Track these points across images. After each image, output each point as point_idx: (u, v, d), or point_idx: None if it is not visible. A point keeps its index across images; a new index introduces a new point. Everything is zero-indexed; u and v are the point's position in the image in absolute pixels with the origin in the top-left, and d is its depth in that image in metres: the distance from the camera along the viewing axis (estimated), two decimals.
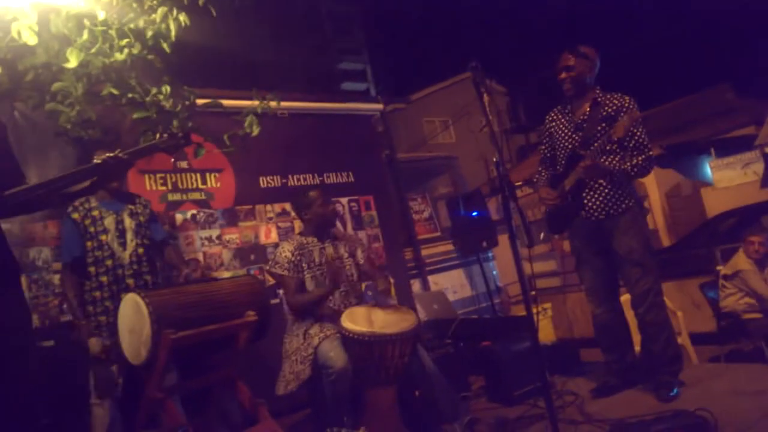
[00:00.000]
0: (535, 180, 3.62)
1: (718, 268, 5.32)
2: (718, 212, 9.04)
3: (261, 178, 4.70)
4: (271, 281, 4.18)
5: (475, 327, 4.26)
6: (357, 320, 2.95)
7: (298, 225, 4.62)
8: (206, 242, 4.28)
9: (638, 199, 3.33)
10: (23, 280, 2.77)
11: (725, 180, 11.19)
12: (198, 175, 4.36)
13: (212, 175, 4.43)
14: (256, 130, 3.13)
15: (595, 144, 3.15)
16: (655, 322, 3.18)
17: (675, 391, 3.04)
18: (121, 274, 3.00)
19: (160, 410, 2.67)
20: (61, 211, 3.07)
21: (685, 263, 7.49)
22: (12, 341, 1.76)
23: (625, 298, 3.48)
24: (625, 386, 3.34)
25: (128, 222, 3.08)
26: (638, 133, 3.16)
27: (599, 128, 3.18)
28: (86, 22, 2.63)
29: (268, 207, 4.67)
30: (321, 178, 5.04)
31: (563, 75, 3.28)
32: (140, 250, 3.08)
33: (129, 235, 3.06)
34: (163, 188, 4.19)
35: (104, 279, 2.97)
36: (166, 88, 2.92)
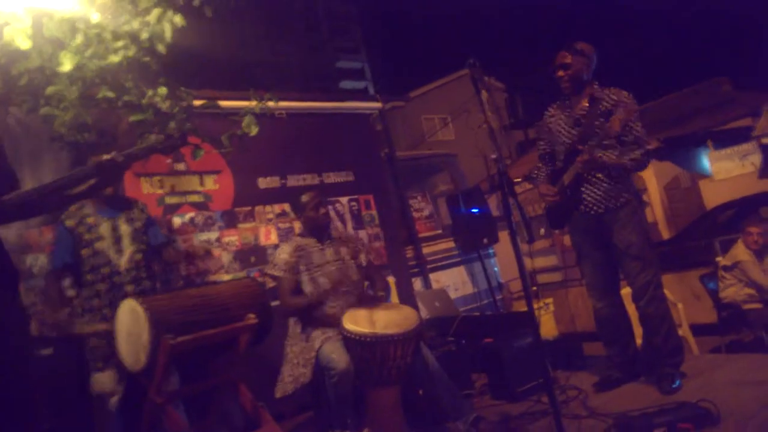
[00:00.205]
0: (534, 176, 3.62)
1: (718, 259, 5.33)
2: (717, 204, 9.05)
3: (260, 179, 4.68)
4: (270, 284, 4.17)
5: (477, 324, 4.25)
6: (358, 321, 2.94)
7: (297, 226, 4.61)
8: (205, 245, 4.26)
9: (636, 193, 3.33)
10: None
11: (723, 171, 11.20)
12: (196, 177, 4.34)
13: (210, 176, 4.41)
14: (254, 130, 3.12)
15: (593, 139, 3.14)
16: (655, 314, 3.18)
17: (677, 382, 3.05)
18: (118, 281, 2.98)
19: (162, 416, 2.66)
20: (56, 217, 3.04)
21: (684, 255, 7.51)
22: (11, 347, 1.75)
23: (625, 291, 3.48)
24: (627, 379, 3.34)
25: (124, 228, 3.06)
26: (636, 128, 3.16)
27: (597, 123, 3.18)
28: (80, 25, 2.61)
29: (268, 208, 4.65)
30: (320, 178, 5.02)
31: (560, 73, 3.28)
32: (137, 256, 3.06)
33: (125, 242, 3.04)
34: (161, 191, 4.16)
35: (101, 287, 2.95)
36: (163, 90, 2.90)
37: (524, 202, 12.41)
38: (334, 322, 3.06)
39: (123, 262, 3.01)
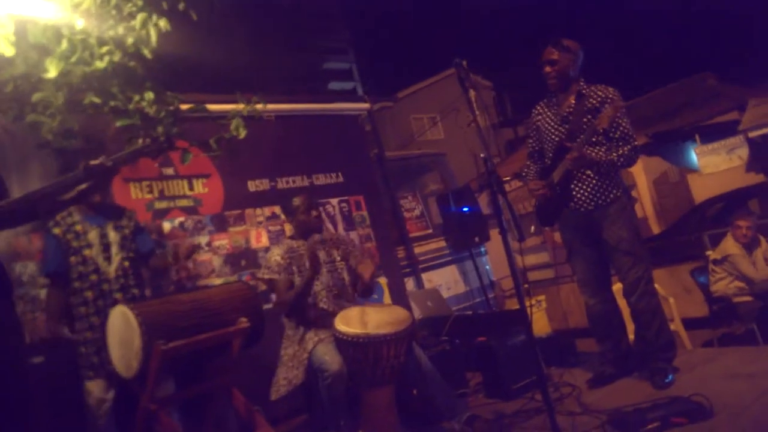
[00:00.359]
0: (523, 173, 3.64)
1: (708, 253, 5.37)
2: (706, 198, 9.14)
3: (249, 182, 4.66)
4: (262, 287, 4.15)
5: (470, 323, 4.26)
6: (350, 322, 2.93)
7: (288, 228, 4.60)
8: (197, 248, 4.23)
9: (626, 189, 3.35)
10: None
11: (711, 166, 11.30)
12: (185, 181, 4.32)
13: (199, 180, 4.38)
14: (242, 133, 3.10)
15: (581, 136, 3.16)
16: (647, 309, 3.20)
17: (670, 377, 3.06)
18: (107, 288, 2.95)
19: (155, 422, 2.64)
20: (44, 226, 3.02)
21: (674, 250, 7.56)
22: (9, 353, 1.74)
23: (617, 287, 3.49)
24: (620, 375, 3.36)
25: (113, 235, 3.04)
26: (623, 124, 3.17)
27: (585, 120, 3.20)
28: (65, 31, 2.59)
29: (258, 211, 4.64)
30: (310, 180, 5.01)
31: (547, 69, 3.29)
32: (126, 264, 3.03)
33: (114, 249, 3.02)
34: (150, 196, 4.14)
35: (89, 294, 2.92)
36: (149, 95, 2.87)
37: (514, 200, 12.46)
38: (327, 323, 3.06)
39: (112, 269, 2.98)
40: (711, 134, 11.63)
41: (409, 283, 5.55)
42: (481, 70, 19.03)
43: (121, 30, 2.68)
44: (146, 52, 2.77)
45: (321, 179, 5.09)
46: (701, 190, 10.87)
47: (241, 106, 3.14)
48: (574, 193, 3.28)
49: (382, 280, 5.14)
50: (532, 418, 3.07)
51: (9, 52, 2.47)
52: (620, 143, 3.19)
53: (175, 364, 2.74)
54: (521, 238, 2.43)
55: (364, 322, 2.94)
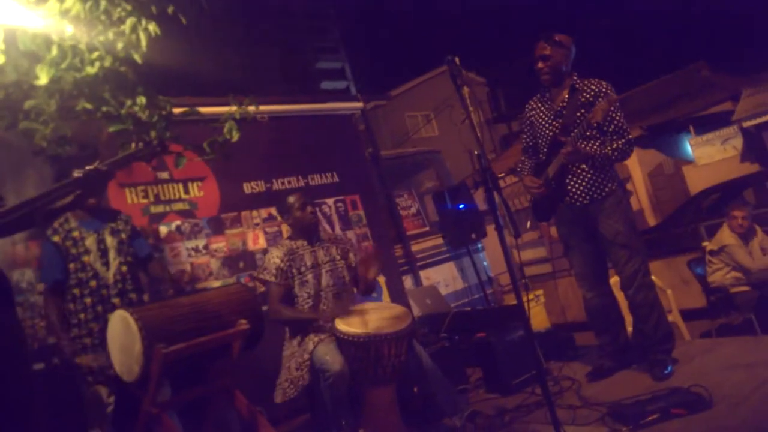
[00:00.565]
0: (518, 169, 3.64)
1: (704, 244, 5.38)
2: (701, 189, 9.15)
3: (245, 184, 4.66)
4: (261, 288, 4.15)
5: (469, 319, 4.27)
6: (351, 322, 2.94)
7: (285, 229, 4.59)
8: (193, 253, 4.23)
9: (621, 182, 3.36)
10: None
11: (706, 157, 11.33)
12: (180, 185, 4.31)
13: (195, 184, 4.38)
14: (235, 136, 3.10)
15: (575, 130, 3.16)
16: (644, 302, 3.20)
17: (669, 369, 3.07)
18: (105, 294, 2.94)
19: (157, 426, 2.64)
20: (42, 233, 3.01)
21: (671, 241, 7.59)
22: (11, 359, 1.75)
23: (614, 280, 3.50)
24: (619, 368, 3.37)
25: (110, 240, 3.03)
26: (617, 117, 3.18)
27: (578, 114, 3.20)
28: (54, 38, 2.58)
29: (254, 213, 4.64)
30: (305, 180, 5.01)
31: (540, 64, 3.29)
32: (124, 268, 3.03)
33: (111, 254, 3.01)
34: (145, 201, 4.13)
35: (88, 300, 2.91)
36: (141, 100, 2.87)
37: (510, 195, 12.48)
38: (327, 323, 3.06)
39: (110, 275, 2.98)
40: (705, 125, 11.66)
41: (408, 281, 5.55)
42: (474, 66, 19.05)
43: (110, 35, 2.67)
44: (137, 57, 2.76)
45: (316, 179, 5.09)
46: (696, 182, 10.90)
47: (233, 109, 3.14)
48: (569, 187, 3.28)
49: (381, 279, 5.14)
50: (533, 412, 3.08)
51: None
52: (614, 137, 3.19)
53: (176, 368, 2.74)
54: (517, 234, 2.44)
55: (365, 321, 2.95)
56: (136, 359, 2.55)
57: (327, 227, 4.95)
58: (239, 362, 2.87)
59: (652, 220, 11.76)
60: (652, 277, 3.31)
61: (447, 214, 6.23)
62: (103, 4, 2.60)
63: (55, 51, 2.57)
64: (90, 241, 2.97)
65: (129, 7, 2.68)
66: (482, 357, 3.73)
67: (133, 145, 2.28)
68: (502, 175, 12.36)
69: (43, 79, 2.56)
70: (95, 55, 2.69)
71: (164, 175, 4.25)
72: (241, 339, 2.81)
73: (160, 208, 4.19)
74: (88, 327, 2.90)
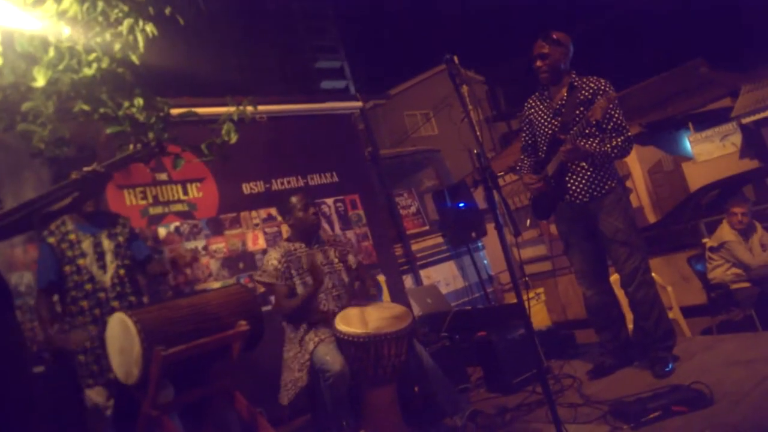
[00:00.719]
0: (518, 167, 3.63)
1: (704, 240, 5.38)
2: (700, 185, 9.14)
3: (244, 185, 4.65)
4: (261, 289, 4.14)
5: (470, 318, 4.26)
6: (351, 322, 2.93)
7: (285, 229, 4.59)
8: (190, 252, 4.22)
9: (620, 180, 3.35)
10: None
11: (705, 153, 11.33)
12: (179, 186, 4.31)
13: (193, 185, 4.37)
14: (233, 138, 3.09)
15: (575, 128, 3.15)
16: (645, 299, 3.20)
17: (670, 366, 3.07)
18: (103, 297, 2.94)
19: (157, 428, 2.64)
20: (38, 235, 3.00)
21: (671, 238, 7.58)
22: (11, 363, 1.74)
23: (614, 277, 3.50)
24: (620, 365, 3.37)
25: (107, 244, 3.02)
26: (616, 115, 3.17)
27: (577, 112, 3.19)
28: (52, 40, 2.57)
29: (254, 213, 4.63)
30: (305, 180, 5.01)
31: (538, 63, 3.29)
32: (121, 272, 3.02)
33: (108, 257, 3.00)
34: (144, 202, 4.13)
35: (84, 304, 2.91)
36: (139, 101, 2.86)
37: (510, 193, 12.48)
38: (327, 324, 3.05)
39: (107, 278, 2.97)
40: (704, 122, 11.66)
41: (408, 281, 5.55)
42: (473, 64, 19.04)
43: (108, 36, 2.66)
44: (134, 58, 2.75)
45: (316, 179, 5.08)
46: (696, 178, 10.90)
47: (232, 109, 3.13)
48: (568, 185, 3.28)
49: (381, 278, 5.14)
50: (534, 411, 3.08)
51: None
52: (613, 134, 3.19)
53: (176, 370, 2.73)
54: (517, 233, 2.43)
55: (365, 321, 2.94)
56: (135, 362, 2.55)
57: (327, 227, 4.95)
58: (239, 363, 2.87)
59: (651, 217, 11.76)
60: (652, 275, 3.31)
61: (447, 212, 6.22)
62: (100, 5, 2.59)
63: (52, 53, 2.56)
64: (86, 245, 2.97)
65: (126, 9, 2.67)
66: (483, 356, 3.73)
67: (131, 146, 2.28)
68: (502, 173, 12.36)
69: (40, 81, 2.55)
70: (92, 56, 2.68)
71: (163, 176, 4.24)
72: (241, 340, 2.81)
73: (158, 210, 4.18)
74: (87, 330, 2.89)
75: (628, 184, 12.03)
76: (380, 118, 15.51)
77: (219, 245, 4.38)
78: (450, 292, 5.99)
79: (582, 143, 3.18)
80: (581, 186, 3.25)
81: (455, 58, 2.55)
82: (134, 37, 2.68)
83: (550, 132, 3.31)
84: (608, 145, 3.17)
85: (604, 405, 2.80)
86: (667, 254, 6.96)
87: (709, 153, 11.27)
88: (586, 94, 3.21)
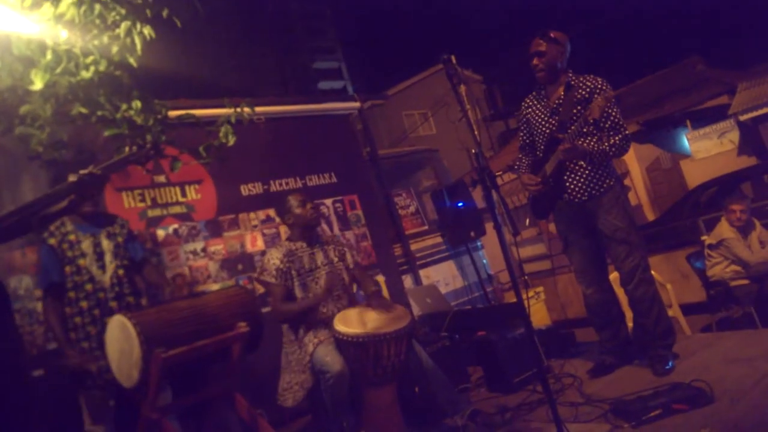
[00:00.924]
0: (516, 167, 3.64)
1: (703, 238, 5.38)
2: (699, 183, 9.15)
3: (242, 186, 4.65)
4: (260, 290, 4.14)
5: (470, 318, 4.26)
6: (350, 322, 2.93)
7: (284, 230, 4.59)
8: (191, 256, 4.22)
9: (618, 178, 3.36)
10: None
11: (703, 151, 11.35)
12: (177, 188, 4.30)
13: (192, 187, 4.37)
14: (231, 140, 3.09)
15: (572, 127, 3.16)
16: (644, 297, 3.20)
17: (670, 364, 3.07)
18: (102, 297, 2.93)
19: (157, 430, 2.63)
20: (39, 237, 3.00)
21: (670, 236, 7.59)
22: (9, 368, 1.74)
23: (613, 276, 3.50)
24: (621, 364, 3.37)
25: (106, 244, 3.02)
26: (613, 113, 3.17)
27: (575, 111, 3.19)
28: (49, 42, 2.57)
29: (252, 215, 4.62)
30: (303, 181, 5.00)
31: (535, 61, 3.29)
32: (120, 272, 3.02)
33: (108, 257, 3.00)
34: (142, 204, 4.12)
35: (84, 304, 2.90)
36: (137, 104, 2.85)
37: (508, 192, 12.49)
38: (326, 325, 3.05)
39: (107, 278, 2.97)
40: (702, 119, 11.68)
41: (407, 281, 5.54)
42: (470, 63, 19.06)
43: (105, 39, 2.66)
44: (132, 61, 2.75)
45: (314, 180, 5.08)
46: (694, 176, 10.91)
47: (229, 111, 3.13)
48: (567, 184, 3.28)
49: (380, 279, 5.14)
50: (535, 410, 3.08)
51: None
52: (611, 133, 3.19)
53: (175, 372, 2.73)
54: (516, 232, 2.43)
55: (364, 321, 2.94)
56: (135, 364, 2.54)
57: (326, 228, 4.95)
58: (239, 365, 2.86)
59: (650, 215, 11.77)
60: (652, 272, 3.31)
61: (446, 212, 6.21)
62: (97, 8, 2.59)
63: (49, 56, 2.56)
64: (86, 245, 2.96)
65: (123, 11, 2.66)
66: (483, 355, 3.73)
67: (127, 149, 2.28)
68: (500, 173, 12.36)
69: (38, 84, 2.55)
70: (90, 59, 2.68)
71: (161, 178, 4.23)
72: (241, 342, 2.80)
73: (157, 212, 4.18)
74: (86, 330, 2.89)
75: (627, 182, 12.05)
76: (378, 118, 15.52)
77: (217, 247, 4.37)
78: (449, 291, 5.98)
79: (580, 142, 3.18)
80: (580, 185, 3.25)
81: (452, 58, 2.55)
82: (132, 40, 2.68)
83: (547, 131, 3.31)
84: (606, 144, 3.17)
85: (604, 403, 2.81)
86: (666, 252, 6.97)
87: (707, 150, 11.29)
88: (583, 92, 3.21)
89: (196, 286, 4.16)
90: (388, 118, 17.07)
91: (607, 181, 3.23)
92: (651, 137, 12.31)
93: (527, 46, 3.34)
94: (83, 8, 2.55)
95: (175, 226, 4.23)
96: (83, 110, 2.80)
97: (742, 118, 10.47)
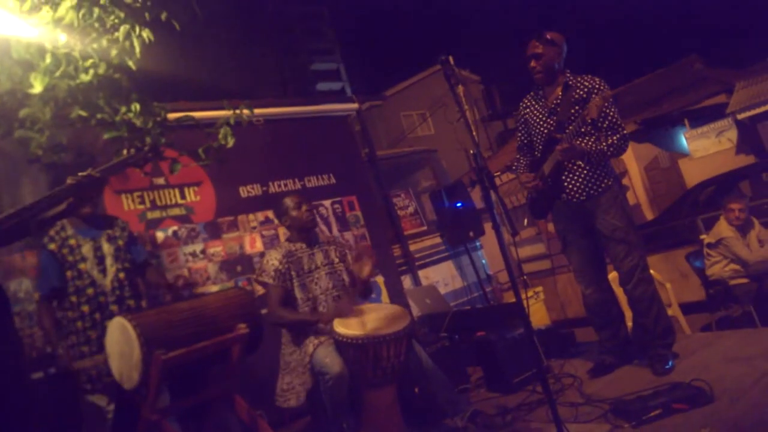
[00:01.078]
0: (514, 167, 3.64)
1: (702, 237, 5.39)
2: (697, 182, 9.17)
3: (241, 188, 4.65)
4: (260, 291, 4.14)
5: (469, 318, 4.26)
6: (349, 324, 2.93)
7: (282, 232, 4.59)
8: (191, 258, 4.23)
9: (617, 177, 3.36)
10: None
11: (701, 149, 11.36)
12: (176, 190, 4.31)
13: (191, 188, 4.37)
14: (230, 142, 3.10)
15: (570, 127, 3.16)
16: (644, 297, 3.21)
17: (670, 363, 3.08)
18: (103, 301, 2.94)
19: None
20: (38, 240, 3.00)
21: (669, 235, 7.60)
22: (9, 372, 1.75)
23: (612, 275, 3.50)
24: (621, 363, 3.37)
25: (106, 247, 3.02)
26: (611, 113, 3.18)
27: (573, 111, 3.20)
28: (48, 46, 2.57)
29: (251, 216, 4.63)
30: (302, 183, 5.01)
31: (533, 63, 3.30)
32: (121, 275, 3.02)
33: (108, 261, 3.00)
34: (142, 207, 4.13)
35: (86, 308, 2.91)
36: (136, 106, 2.86)
37: (507, 192, 12.49)
38: (326, 327, 3.06)
39: (108, 282, 2.97)
40: (700, 118, 11.70)
41: (406, 281, 5.55)
42: (468, 64, 19.08)
43: (104, 42, 2.67)
44: (131, 64, 2.76)
45: (313, 181, 5.08)
46: (692, 175, 10.92)
47: (228, 113, 3.13)
48: (565, 184, 3.29)
49: (380, 279, 5.14)
50: (535, 410, 3.08)
51: None
52: (609, 132, 3.19)
53: (176, 374, 2.73)
54: (514, 232, 2.44)
55: (363, 323, 2.94)
56: (135, 366, 2.54)
57: (325, 229, 4.95)
58: (239, 366, 2.87)
59: (649, 214, 11.79)
60: (651, 272, 3.31)
61: (444, 212, 6.22)
62: (96, 11, 2.60)
63: (48, 59, 2.57)
64: (87, 249, 2.97)
65: (122, 15, 2.67)
66: (483, 356, 3.73)
67: (125, 151, 2.29)
68: (498, 173, 12.38)
69: (37, 88, 2.56)
70: (89, 62, 2.69)
71: (160, 180, 4.24)
72: (241, 343, 2.80)
73: (156, 214, 4.18)
74: (86, 335, 2.89)
75: (625, 181, 12.06)
76: (376, 119, 15.52)
77: (217, 249, 4.38)
78: (449, 292, 5.99)
79: (578, 142, 3.19)
80: (578, 185, 3.26)
81: (450, 59, 2.55)
82: (130, 43, 2.69)
83: (545, 131, 3.32)
84: (604, 144, 3.18)
85: (604, 403, 2.81)
86: (665, 251, 6.97)
87: (705, 149, 11.31)
88: (581, 93, 3.21)
89: (195, 288, 4.16)
90: (386, 118, 17.07)
91: (605, 180, 3.23)
92: (649, 136, 12.32)
93: (524, 48, 3.34)
94: (82, 12, 2.56)
95: (175, 228, 4.23)
96: (82, 113, 2.81)
97: (740, 116, 10.49)
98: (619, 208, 3.23)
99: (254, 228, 4.61)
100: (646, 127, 12.04)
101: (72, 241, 2.96)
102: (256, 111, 3.54)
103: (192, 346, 2.62)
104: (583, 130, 3.20)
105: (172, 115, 3.13)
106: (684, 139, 11.94)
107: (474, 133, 2.41)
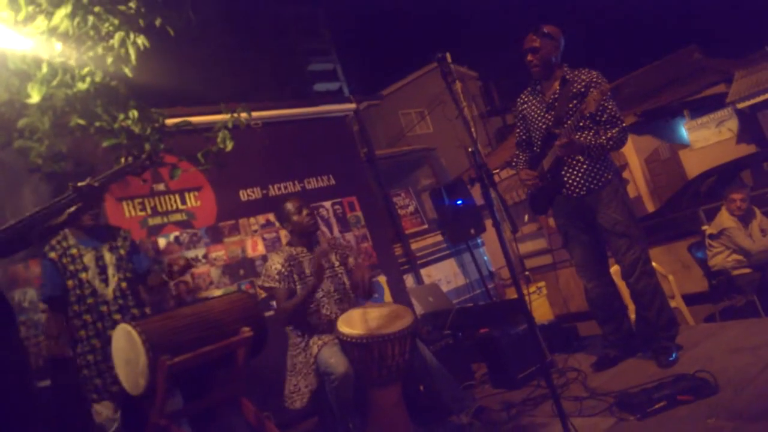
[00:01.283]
0: (513, 163, 3.64)
1: (704, 228, 5.38)
2: (698, 173, 9.15)
3: (241, 192, 4.66)
4: (263, 294, 4.15)
5: (472, 315, 4.26)
6: (353, 324, 2.94)
7: (284, 234, 4.60)
8: (193, 262, 4.23)
9: (617, 171, 3.35)
10: None
11: (701, 140, 11.34)
12: (177, 196, 4.32)
13: (191, 194, 4.38)
14: (229, 145, 3.10)
15: (569, 121, 3.16)
16: (646, 290, 3.20)
17: (674, 355, 3.08)
18: (105, 310, 2.95)
19: None
20: (40, 250, 3.01)
21: (671, 227, 7.59)
22: (13, 384, 1.75)
23: (614, 269, 3.51)
24: (624, 356, 3.37)
25: (108, 257, 3.03)
26: (609, 106, 3.17)
27: (571, 105, 3.19)
28: (44, 56, 2.58)
29: (252, 220, 4.64)
30: (302, 185, 5.01)
31: (530, 57, 3.29)
32: (123, 284, 3.03)
33: (110, 271, 3.01)
34: (143, 213, 4.14)
35: (88, 317, 2.92)
36: (134, 113, 2.87)
37: (507, 188, 12.49)
38: (330, 328, 3.06)
39: (110, 291, 2.98)
40: (699, 108, 11.68)
41: (409, 280, 5.55)
42: (466, 60, 19.06)
43: (100, 50, 2.67)
44: (127, 71, 2.77)
45: (313, 183, 5.09)
46: (693, 165, 10.91)
47: (226, 117, 3.14)
48: (565, 179, 3.29)
49: (382, 279, 5.15)
50: (540, 405, 3.09)
51: None
52: (608, 126, 3.19)
53: (182, 378, 2.74)
54: (515, 229, 2.44)
55: (367, 322, 2.95)
56: (141, 372, 2.56)
57: (326, 231, 4.96)
58: (244, 369, 2.87)
59: (650, 206, 11.77)
60: (653, 264, 3.31)
61: (445, 210, 6.22)
62: (91, 19, 2.60)
63: (45, 69, 2.58)
64: (88, 258, 2.98)
65: (117, 22, 2.68)
66: (487, 352, 3.74)
67: (123, 159, 2.29)
68: (497, 170, 12.36)
69: (35, 97, 2.57)
70: (86, 70, 2.69)
71: (160, 186, 4.25)
72: (246, 346, 2.82)
73: (157, 220, 4.19)
74: (91, 344, 2.90)
75: (626, 174, 12.05)
76: (375, 118, 15.51)
77: (219, 253, 4.39)
78: (451, 289, 5.99)
79: (577, 136, 3.18)
80: (578, 179, 3.25)
81: (447, 56, 2.56)
82: (126, 50, 2.70)
83: (544, 126, 3.32)
84: (603, 138, 3.17)
85: (609, 397, 2.81)
86: (667, 243, 6.97)
87: (705, 139, 11.29)
88: (579, 86, 3.21)
89: (198, 293, 4.17)
90: (384, 117, 17.07)
91: (605, 174, 3.23)
92: (649, 128, 12.30)
93: (522, 42, 3.34)
94: (77, 20, 2.56)
95: (176, 233, 4.24)
96: (81, 121, 2.82)
97: (740, 106, 10.47)
98: (619, 202, 3.22)
99: (255, 231, 4.62)
100: (646, 119, 12.01)
101: (73, 251, 2.97)
102: (254, 114, 3.55)
103: (197, 351, 2.63)
104: (581, 124, 3.19)
105: (170, 121, 3.14)
106: (684, 130, 11.93)
107: (472, 130, 2.41)
